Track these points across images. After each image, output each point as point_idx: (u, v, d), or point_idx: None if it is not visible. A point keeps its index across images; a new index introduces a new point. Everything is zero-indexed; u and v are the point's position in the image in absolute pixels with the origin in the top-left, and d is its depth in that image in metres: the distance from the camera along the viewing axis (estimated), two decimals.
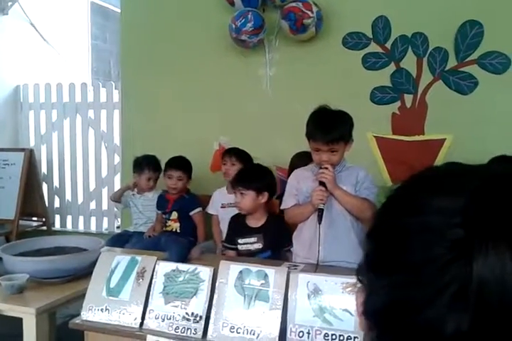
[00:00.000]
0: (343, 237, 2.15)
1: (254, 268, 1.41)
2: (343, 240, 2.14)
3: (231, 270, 1.42)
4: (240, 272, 1.42)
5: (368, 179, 2.17)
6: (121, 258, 1.60)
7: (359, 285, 0.51)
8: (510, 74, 3.07)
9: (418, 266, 0.42)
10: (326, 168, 2.07)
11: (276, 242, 2.47)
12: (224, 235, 2.93)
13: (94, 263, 1.68)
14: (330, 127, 2.07)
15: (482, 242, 0.40)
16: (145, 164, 3.38)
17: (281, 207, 2.33)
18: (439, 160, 3.21)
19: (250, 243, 2.47)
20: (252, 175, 2.57)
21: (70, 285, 1.91)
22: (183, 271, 1.48)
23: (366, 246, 0.51)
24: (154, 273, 1.52)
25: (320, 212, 2.04)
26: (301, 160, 2.91)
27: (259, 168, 2.67)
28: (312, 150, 2.14)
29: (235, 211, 3.00)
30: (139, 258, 1.57)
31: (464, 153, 3.12)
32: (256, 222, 2.52)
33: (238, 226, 2.56)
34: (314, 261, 2.07)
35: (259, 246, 2.44)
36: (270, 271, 1.39)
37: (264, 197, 2.47)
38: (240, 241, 2.50)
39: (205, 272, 1.46)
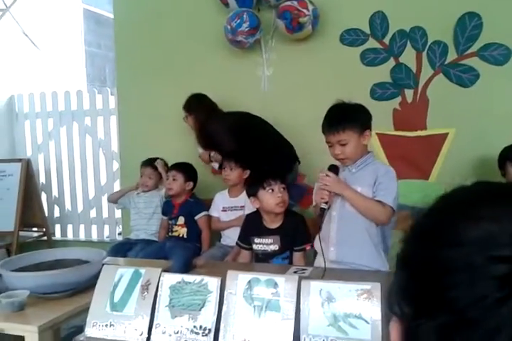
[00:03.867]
0: (356, 239, 2.07)
1: (263, 277, 1.34)
2: (355, 242, 2.07)
3: (239, 280, 1.36)
4: (249, 282, 1.35)
5: (387, 178, 2.03)
6: (124, 271, 1.53)
7: (394, 317, 0.45)
8: (511, 65, 3.01)
9: (465, 305, 0.37)
10: (327, 175, 2.00)
11: (292, 243, 2.40)
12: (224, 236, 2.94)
13: (96, 276, 1.62)
14: (335, 118, 2.06)
15: None
16: (148, 162, 3.42)
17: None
18: (443, 155, 3.15)
19: (266, 244, 2.41)
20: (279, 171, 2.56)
21: (72, 300, 1.84)
22: (189, 283, 1.42)
23: (399, 276, 0.45)
24: (159, 286, 1.45)
25: (321, 212, 1.98)
26: None
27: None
28: (328, 146, 2.11)
29: (236, 214, 2.96)
30: (142, 270, 1.50)
31: (466, 146, 3.07)
32: (273, 222, 2.43)
33: (254, 224, 2.48)
34: (326, 261, 2.00)
35: (275, 247, 2.38)
36: (280, 279, 1.33)
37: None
38: (256, 240, 2.43)
39: (212, 283, 1.39)
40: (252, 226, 2.49)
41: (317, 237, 2.18)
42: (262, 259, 2.41)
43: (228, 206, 3.09)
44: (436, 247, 0.42)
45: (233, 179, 3.06)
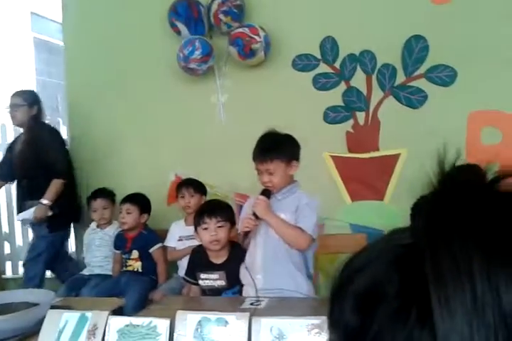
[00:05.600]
0: (281, 265, 2.13)
1: (213, 316, 1.30)
2: (281, 268, 2.12)
3: (188, 320, 1.31)
4: (199, 322, 1.30)
5: (309, 207, 2.13)
6: (69, 316, 1.46)
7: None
8: (457, 85, 3.10)
9: None
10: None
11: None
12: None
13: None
14: (264, 147, 2.13)
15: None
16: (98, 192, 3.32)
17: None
18: (396, 175, 3.18)
19: (213, 279, 2.33)
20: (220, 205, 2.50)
21: None
22: (138, 326, 1.36)
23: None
24: (106, 330, 1.39)
25: (244, 237, 2.11)
26: None
27: (221, 202, 2.63)
28: (257, 173, 2.17)
29: (192, 243, 2.87)
30: (88, 314, 1.44)
31: (419, 166, 3.10)
32: (218, 257, 2.36)
33: (199, 259, 2.41)
34: (253, 288, 2.04)
35: (222, 283, 2.30)
36: (230, 317, 1.29)
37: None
38: (201, 276, 2.35)
39: (161, 325, 1.33)
40: (197, 260, 2.42)
41: (242, 267, 2.20)
42: (210, 296, 2.34)
43: (185, 235, 3.01)
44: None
45: (194, 206, 2.97)
